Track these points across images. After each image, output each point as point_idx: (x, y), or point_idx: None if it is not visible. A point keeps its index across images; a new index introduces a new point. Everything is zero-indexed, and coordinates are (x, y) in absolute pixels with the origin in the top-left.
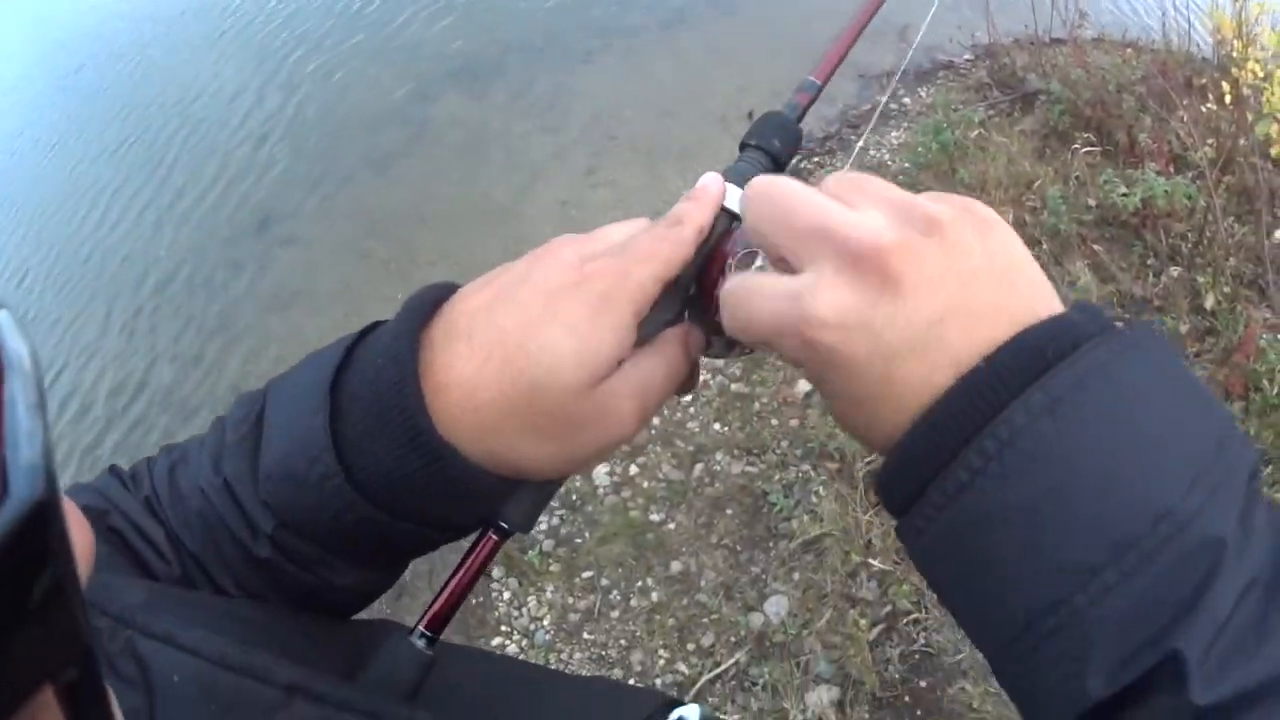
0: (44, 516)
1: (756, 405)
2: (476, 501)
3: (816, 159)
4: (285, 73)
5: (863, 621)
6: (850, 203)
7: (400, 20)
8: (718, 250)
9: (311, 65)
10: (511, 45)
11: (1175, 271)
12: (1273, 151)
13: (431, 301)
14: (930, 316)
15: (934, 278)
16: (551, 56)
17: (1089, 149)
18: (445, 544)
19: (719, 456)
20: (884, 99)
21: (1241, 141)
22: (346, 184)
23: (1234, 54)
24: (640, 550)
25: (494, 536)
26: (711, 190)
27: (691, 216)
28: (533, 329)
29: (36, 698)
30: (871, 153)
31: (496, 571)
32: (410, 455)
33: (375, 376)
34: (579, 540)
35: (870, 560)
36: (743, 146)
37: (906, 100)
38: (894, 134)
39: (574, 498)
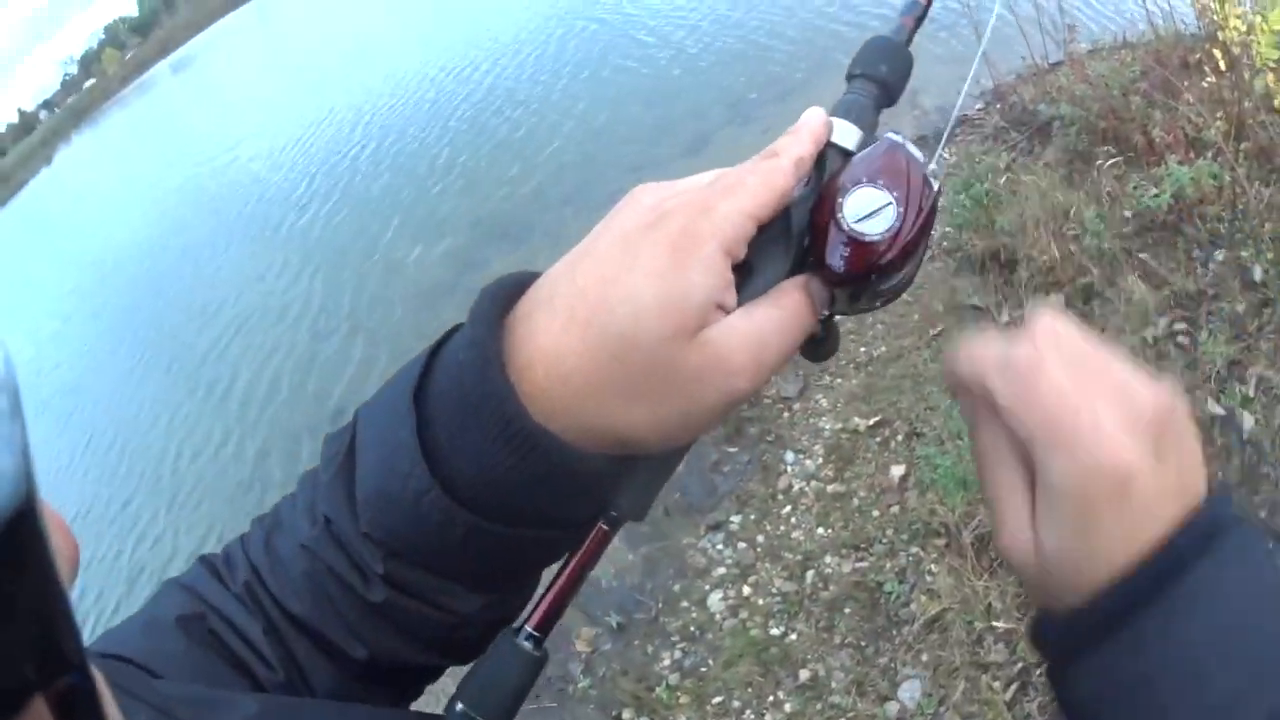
0: (23, 524)
1: (855, 501)
2: (584, 489)
3: None
4: (344, 267)
5: (996, 684)
6: (1084, 390)
7: (433, 193)
8: (828, 190)
9: (372, 256)
10: (543, 196)
11: (1220, 255)
12: (1276, 104)
13: (512, 284)
14: (1141, 518)
15: (1152, 496)
16: (587, 197)
17: (1112, 160)
18: (567, 547)
19: (828, 559)
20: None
21: (1246, 104)
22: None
23: (1215, 17)
24: (766, 666)
25: (604, 527)
26: (812, 123)
27: (788, 149)
28: (610, 280)
29: (29, 708)
30: None
31: (627, 713)
32: (503, 449)
33: (459, 371)
34: (704, 669)
35: (994, 624)
36: (849, 77)
37: (932, 166)
38: None
39: (692, 629)
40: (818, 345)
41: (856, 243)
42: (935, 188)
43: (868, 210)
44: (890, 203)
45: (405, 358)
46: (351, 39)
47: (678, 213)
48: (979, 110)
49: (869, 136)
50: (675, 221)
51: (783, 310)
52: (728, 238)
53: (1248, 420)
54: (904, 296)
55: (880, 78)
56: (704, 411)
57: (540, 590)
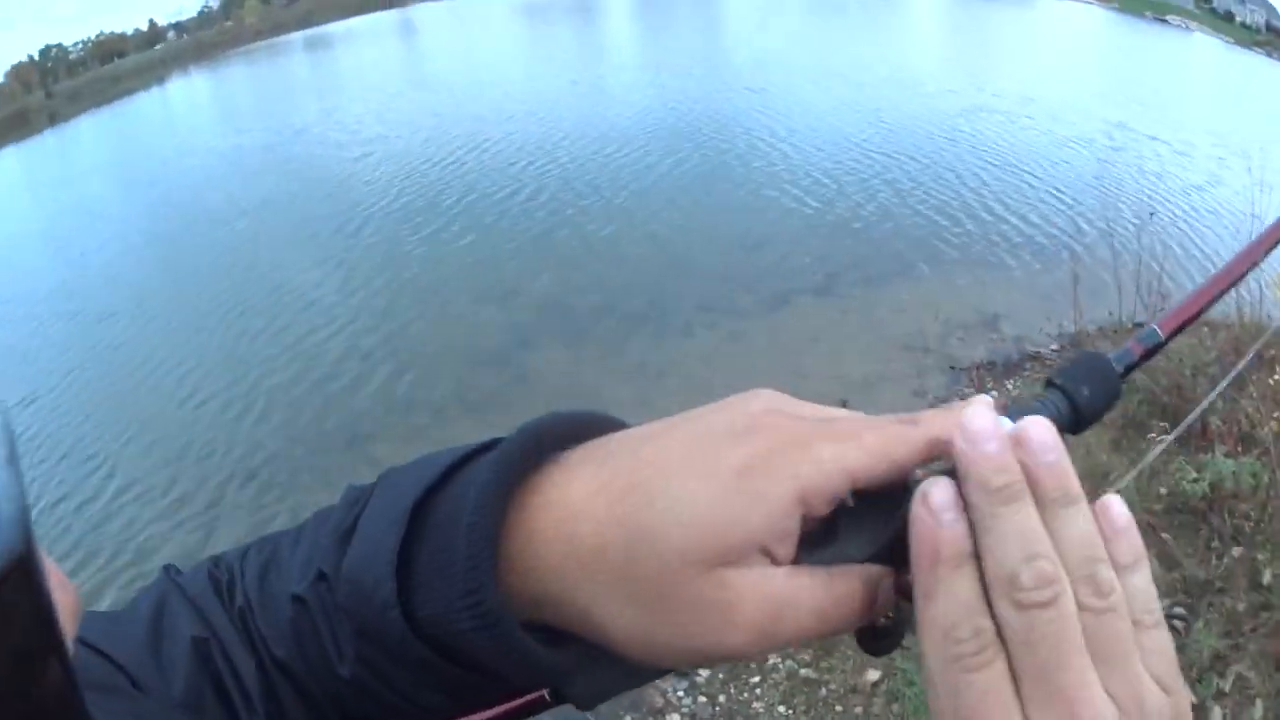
0: (22, 572)
1: (824, 691)
2: (536, 674)
3: None
4: (395, 291)
5: None
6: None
7: (508, 260)
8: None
9: (421, 290)
10: (614, 305)
11: (1237, 552)
12: None
13: (567, 424)
14: None
15: None
16: (652, 322)
17: (1163, 437)
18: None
19: None
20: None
21: None
22: (438, 417)
23: None
24: None
25: (547, 696)
26: (973, 415)
27: (930, 424)
28: (668, 471)
29: None
30: None
31: None
32: (467, 614)
33: (457, 506)
34: None
35: None
36: (1048, 383)
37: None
38: None
39: None
40: (879, 637)
41: None
42: None
43: None
44: None
45: (432, 398)
46: (482, 79)
47: (772, 434)
48: (1053, 350)
49: None
50: (764, 441)
51: (831, 591)
52: (810, 484)
53: (1217, 714)
54: None
55: (1078, 400)
56: (688, 648)
57: None
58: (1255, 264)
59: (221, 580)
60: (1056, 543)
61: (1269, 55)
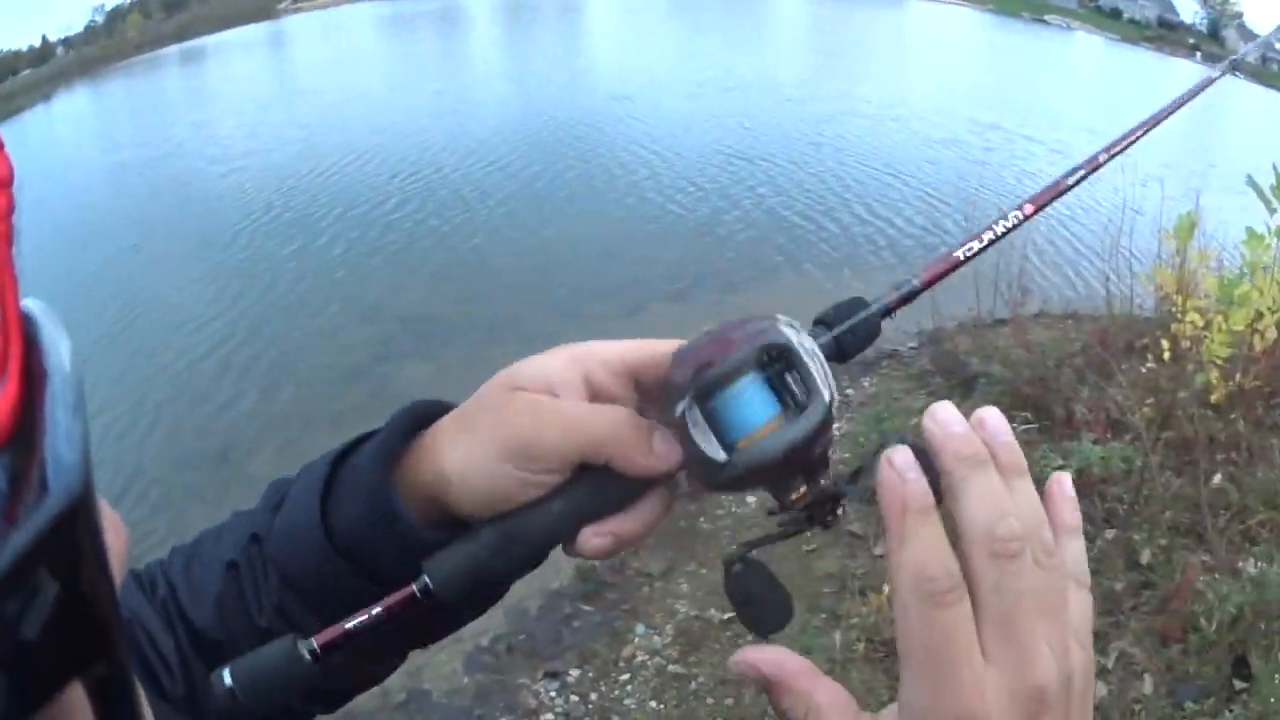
0: (82, 515)
1: (693, 685)
2: (419, 553)
3: None
4: (267, 306)
5: None
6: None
7: (376, 276)
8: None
9: (292, 305)
10: (478, 315)
11: (1110, 534)
12: (1212, 398)
13: (427, 407)
14: None
15: None
16: (515, 331)
17: (1025, 427)
18: (424, 625)
19: None
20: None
21: (1181, 394)
22: (309, 429)
23: (1174, 310)
24: None
25: (415, 589)
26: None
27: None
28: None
29: (66, 692)
30: None
31: None
32: (369, 512)
33: (364, 457)
34: None
35: None
36: (816, 320)
37: (850, 391)
38: (838, 425)
39: None
40: (757, 610)
41: (683, 430)
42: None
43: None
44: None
45: (303, 412)
46: (350, 90)
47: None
48: (910, 348)
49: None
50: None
51: (600, 408)
52: (581, 351)
53: (1101, 689)
54: None
55: (840, 336)
56: (496, 448)
57: (344, 622)
58: (1017, 226)
59: (143, 577)
60: (1022, 509)
61: (1158, 51)
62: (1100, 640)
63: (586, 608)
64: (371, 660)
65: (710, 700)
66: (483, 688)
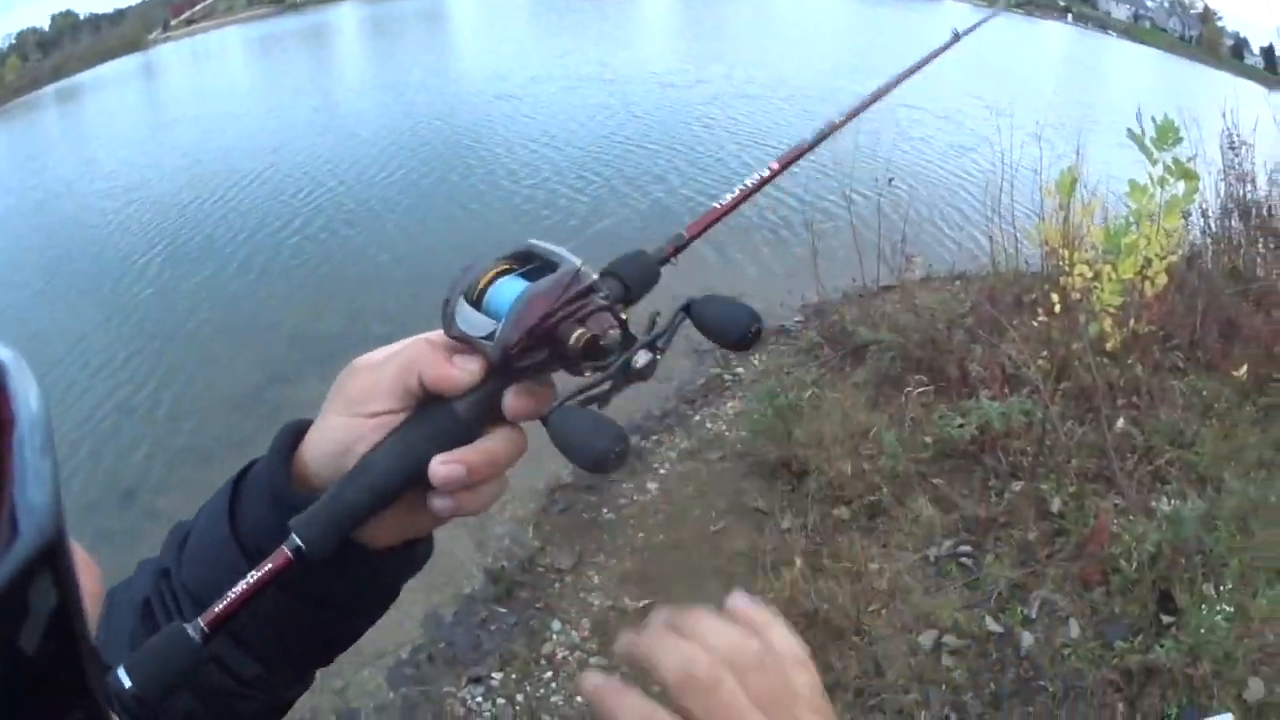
0: (53, 557)
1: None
2: (292, 510)
3: (655, 437)
4: (164, 340)
5: None
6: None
7: (267, 302)
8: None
9: (186, 338)
10: (368, 329)
11: (1018, 486)
12: (1108, 346)
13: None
14: None
15: None
16: (406, 336)
17: (922, 389)
18: (330, 628)
19: None
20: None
21: (1075, 346)
22: (208, 464)
23: (1061, 263)
24: None
25: (287, 551)
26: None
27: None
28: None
29: None
30: (709, 425)
31: None
32: (268, 496)
33: (259, 466)
34: None
35: None
36: (603, 273)
37: (740, 370)
38: (729, 404)
39: None
40: (585, 446)
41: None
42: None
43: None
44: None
45: (203, 444)
46: (227, 113)
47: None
48: (798, 322)
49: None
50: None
51: (404, 341)
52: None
53: (1026, 638)
54: (688, 491)
55: (629, 282)
56: (335, 411)
57: (225, 595)
58: (771, 179)
59: None
60: (710, 645)
61: (1027, 16)
62: (1020, 590)
63: (501, 609)
64: (297, 670)
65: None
66: (409, 700)
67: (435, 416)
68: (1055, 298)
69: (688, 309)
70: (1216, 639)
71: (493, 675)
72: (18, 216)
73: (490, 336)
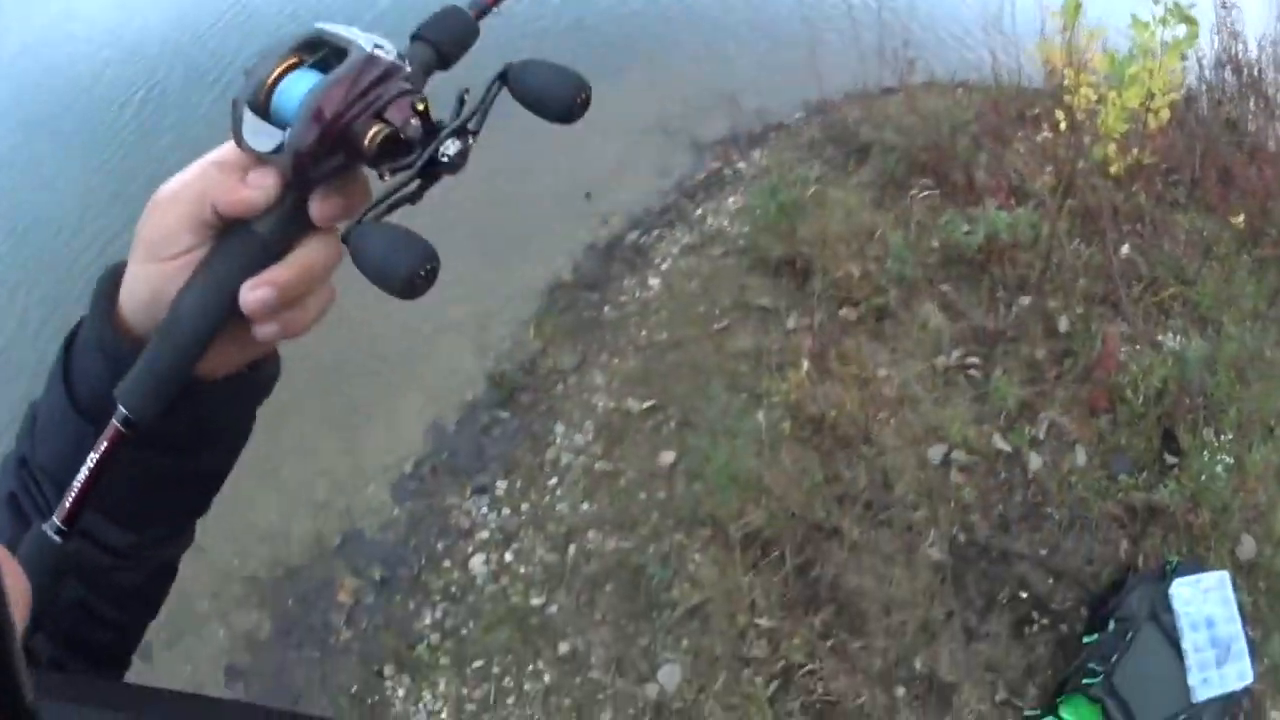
0: None
1: (622, 481)
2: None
3: (656, 231)
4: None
5: (758, 679)
6: None
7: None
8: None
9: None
10: None
11: (1026, 300)
12: (1111, 170)
13: (114, 272)
14: None
15: None
16: None
17: (927, 192)
18: (175, 477)
19: (591, 535)
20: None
21: (1080, 165)
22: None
23: (1066, 83)
24: (526, 635)
25: (116, 424)
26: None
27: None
28: None
29: None
30: (710, 220)
31: (388, 669)
32: (100, 359)
33: (84, 328)
34: (464, 631)
35: (757, 620)
36: (413, 37)
37: (741, 165)
38: (730, 199)
39: (454, 590)
40: (389, 266)
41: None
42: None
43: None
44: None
45: None
46: None
47: None
48: (799, 119)
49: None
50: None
51: (190, 166)
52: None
53: (1034, 460)
54: (691, 287)
55: (435, 42)
56: (139, 257)
57: (70, 488)
58: None
59: None
60: None
61: None
62: (1028, 410)
63: (503, 414)
64: (170, 527)
65: (643, 495)
66: (414, 515)
67: (238, 243)
68: (1060, 114)
69: (504, 77)
70: (1216, 489)
71: (497, 484)
72: None
73: (280, 150)
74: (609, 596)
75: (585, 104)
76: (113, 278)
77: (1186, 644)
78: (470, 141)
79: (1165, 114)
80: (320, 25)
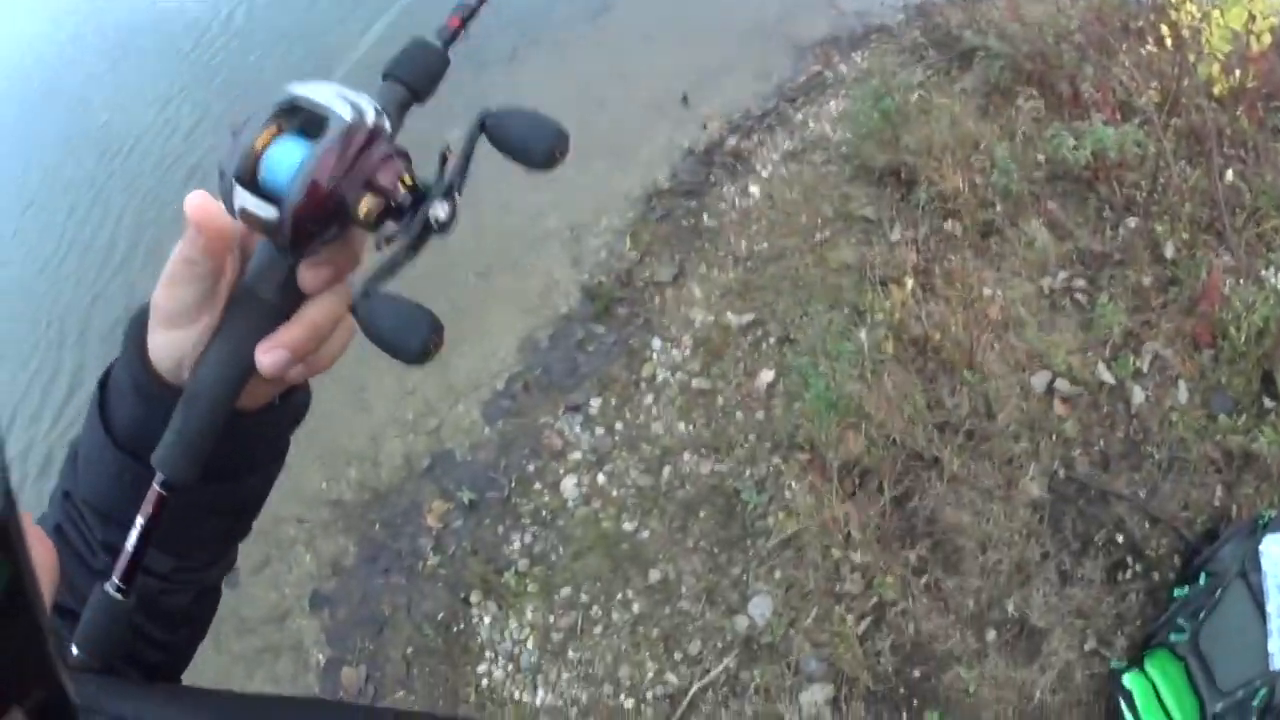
0: (3, 535)
1: (720, 400)
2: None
3: (756, 136)
4: None
5: (849, 617)
6: None
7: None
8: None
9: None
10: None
11: (1132, 222)
12: (1215, 90)
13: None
14: None
15: None
16: (476, 57)
17: (1033, 103)
18: (211, 504)
19: (687, 457)
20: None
21: (1185, 83)
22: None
23: None
24: (616, 562)
25: (158, 489)
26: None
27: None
28: None
29: (6, 717)
30: (812, 125)
31: (474, 596)
32: (131, 393)
33: (122, 368)
34: (554, 557)
35: (851, 554)
36: (384, 77)
37: (842, 68)
38: (832, 104)
39: (544, 514)
40: (399, 337)
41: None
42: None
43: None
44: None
45: None
46: None
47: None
48: (899, 22)
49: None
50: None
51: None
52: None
53: (1137, 393)
54: (792, 195)
55: (406, 80)
56: (158, 324)
57: (124, 548)
58: None
59: None
60: None
61: None
62: (1133, 340)
63: (599, 329)
64: (211, 552)
65: (740, 415)
66: (505, 436)
67: (247, 309)
68: (1165, 29)
69: (482, 125)
70: None
71: (591, 402)
72: None
73: (273, 223)
74: (702, 523)
75: (563, 154)
76: (140, 320)
77: (1271, 606)
78: (458, 198)
79: (1267, 39)
80: (294, 89)
